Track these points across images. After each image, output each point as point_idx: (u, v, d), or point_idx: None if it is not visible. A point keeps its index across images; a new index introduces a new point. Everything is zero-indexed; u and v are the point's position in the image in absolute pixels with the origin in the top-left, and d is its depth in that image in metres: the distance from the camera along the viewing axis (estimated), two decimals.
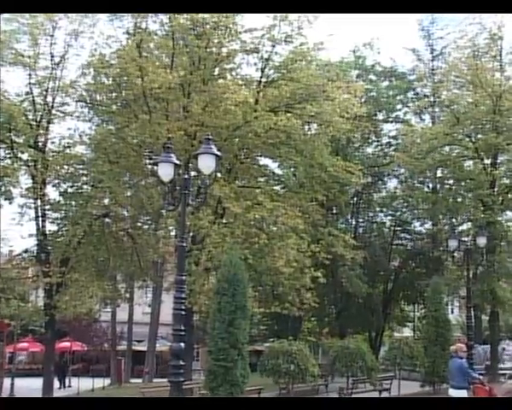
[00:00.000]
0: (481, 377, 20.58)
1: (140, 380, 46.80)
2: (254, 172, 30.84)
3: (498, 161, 36.02)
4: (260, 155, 31.27)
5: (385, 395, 28.21)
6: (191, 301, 24.50)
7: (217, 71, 27.84)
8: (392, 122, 44.93)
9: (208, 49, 26.15)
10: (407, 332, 54.59)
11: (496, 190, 34.84)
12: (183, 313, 16.36)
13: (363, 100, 32.93)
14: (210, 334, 19.85)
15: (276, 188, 33.22)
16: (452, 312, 62.08)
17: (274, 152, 29.76)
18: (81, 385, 38.90)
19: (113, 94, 28.36)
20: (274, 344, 22.95)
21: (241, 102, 25.47)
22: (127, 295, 37.23)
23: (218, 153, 16.82)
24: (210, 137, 17.00)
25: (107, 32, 27.62)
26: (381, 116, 44.06)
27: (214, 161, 16.49)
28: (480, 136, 35.27)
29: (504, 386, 18.24)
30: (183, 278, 16.33)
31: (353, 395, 26.45)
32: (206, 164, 16.44)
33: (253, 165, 30.71)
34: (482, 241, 30.18)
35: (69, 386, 45.46)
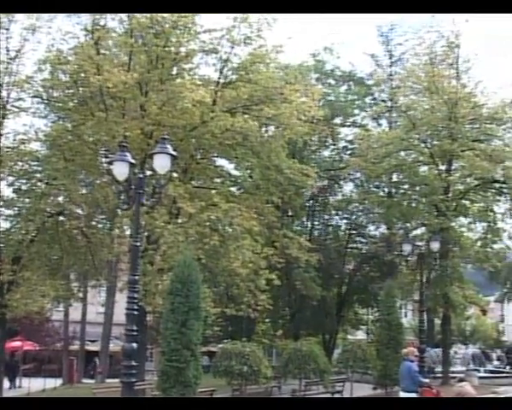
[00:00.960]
0: (428, 380, 20.84)
1: (93, 380, 46.45)
2: (210, 172, 30.77)
3: (453, 168, 36.45)
4: (217, 156, 31.25)
5: (337, 397, 28.43)
6: (146, 302, 24.42)
7: (175, 70, 27.75)
8: (349, 126, 45.23)
9: (167, 49, 26.04)
10: (361, 335, 55.00)
11: (450, 195, 35.22)
12: (136, 313, 16.33)
13: (321, 104, 33.03)
14: (163, 334, 19.77)
15: (231, 189, 33.21)
16: (406, 315, 62.82)
17: (230, 153, 29.78)
18: (32, 386, 38.43)
19: (70, 91, 27.97)
20: (227, 345, 22.94)
21: (199, 102, 25.41)
22: (80, 295, 36.88)
23: (174, 153, 16.80)
24: (166, 136, 16.99)
25: (65, 27, 27.31)
26: (338, 120, 44.32)
27: (169, 161, 16.49)
28: (435, 142, 35.66)
29: (454, 389, 18.36)
30: (137, 277, 16.29)
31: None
32: (162, 164, 16.43)
33: (209, 165, 30.65)
34: (435, 246, 30.61)
35: (19, 386, 44.91)
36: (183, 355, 18.96)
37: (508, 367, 54.71)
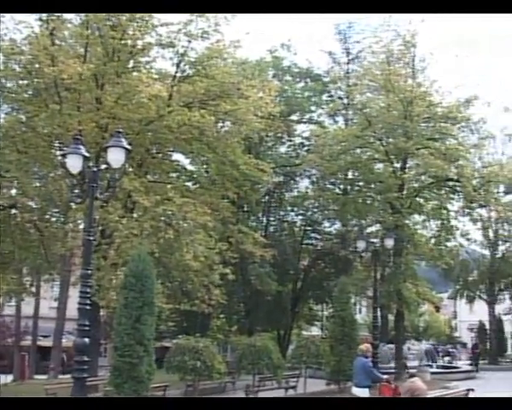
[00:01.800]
0: (386, 376, 20.97)
1: (45, 376, 45.87)
2: (166, 167, 30.62)
3: (408, 166, 36.77)
4: (172, 151, 31.09)
5: (291, 392, 28.50)
6: (99, 296, 24.20)
7: (131, 63, 27.47)
8: (305, 123, 45.41)
9: (123, 41, 25.71)
10: (315, 331, 55.30)
11: (404, 193, 35.55)
12: (89, 307, 16.19)
13: (277, 100, 33.06)
14: (116, 330, 19.57)
15: (187, 184, 33.09)
16: (360, 312, 63.39)
17: (186, 148, 29.63)
18: None
19: (24, 82, 27.52)
20: (180, 341, 22.83)
21: (155, 96, 25.26)
22: (33, 289, 36.43)
23: (128, 146, 16.69)
24: (120, 130, 16.87)
25: (19, 16, 26.84)
26: (295, 117, 44.43)
27: (124, 155, 16.37)
28: (390, 140, 35.90)
29: (405, 384, 18.59)
30: (89, 272, 16.14)
31: (259, 393, 26.61)
32: (116, 157, 16.30)
33: (164, 160, 30.51)
34: (390, 243, 30.88)
35: None
36: (136, 351, 18.80)
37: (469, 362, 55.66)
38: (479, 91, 65.90)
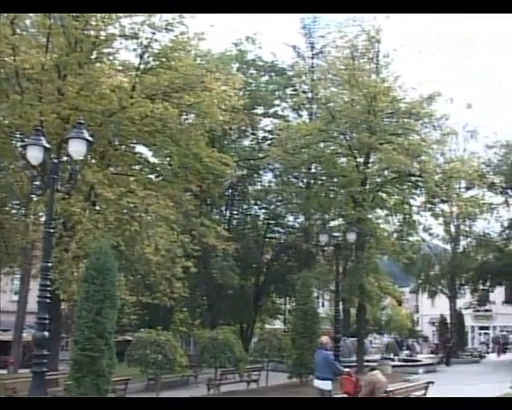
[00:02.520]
0: (347, 369, 21.10)
1: (5, 371, 45.33)
2: (129, 159, 30.32)
3: (371, 160, 37.00)
4: (135, 143, 30.79)
5: (253, 386, 28.55)
6: (61, 290, 23.97)
7: (94, 54, 27.13)
8: (269, 117, 45.39)
9: (86, 32, 25.43)
10: (278, 325, 55.43)
11: (367, 187, 35.78)
12: (49, 301, 16.03)
13: (241, 93, 32.95)
14: (76, 323, 19.39)
15: (150, 176, 32.85)
16: (323, 305, 63.73)
17: (149, 140, 29.34)
18: None
19: None
20: (142, 334, 22.71)
21: (118, 87, 24.98)
22: None
23: (90, 138, 16.52)
24: (82, 121, 16.69)
25: None
26: (259, 110, 44.41)
27: (85, 147, 16.23)
28: (354, 134, 36.09)
29: (366, 377, 18.77)
30: (49, 265, 16.00)
31: (222, 386, 26.62)
32: (77, 149, 16.16)
33: (127, 152, 30.22)
34: (352, 237, 31.03)
35: None
36: (96, 344, 18.63)
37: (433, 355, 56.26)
38: (442, 88, 66.79)
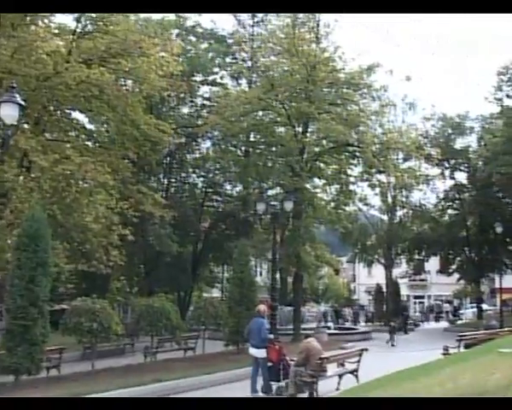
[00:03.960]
0: (272, 336, 21.26)
1: None
2: (64, 125, 29.82)
3: (309, 130, 37.13)
4: (71, 109, 30.25)
5: (190, 353, 28.56)
6: None
7: (28, 17, 26.50)
8: (208, 84, 45.06)
9: None
10: (216, 293, 55.52)
11: (305, 157, 35.93)
12: None
13: (180, 59, 32.60)
14: (9, 291, 19.04)
15: (86, 143, 32.33)
16: (261, 274, 63.97)
17: (86, 106, 28.88)
18: None
19: None
20: (76, 302, 22.35)
21: (53, 51, 24.46)
22: None
23: (22, 102, 16.12)
24: (14, 85, 16.28)
25: None
26: (198, 78, 44.03)
27: (17, 111, 15.84)
28: (293, 103, 36.13)
29: (301, 345, 18.94)
30: None
31: (158, 354, 26.54)
32: (9, 113, 15.77)
33: (63, 118, 29.70)
34: (289, 205, 31.09)
35: None
36: (29, 313, 18.37)
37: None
38: (381, 59, 67.25)
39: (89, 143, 32.79)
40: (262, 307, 20.58)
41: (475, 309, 59.06)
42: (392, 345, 37.19)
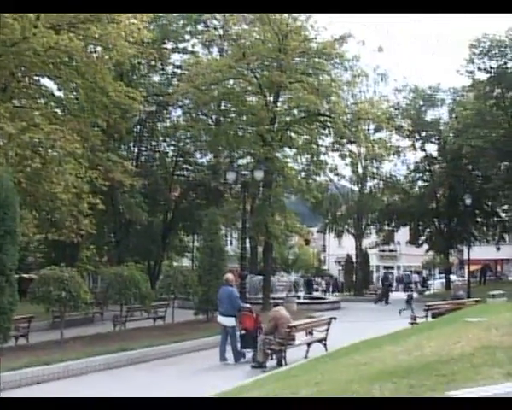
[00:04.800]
0: (249, 305, 21.34)
1: None
2: (32, 92, 29.38)
3: (280, 99, 37.03)
4: (40, 75, 29.79)
5: (159, 322, 28.58)
6: None
7: None
8: (179, 52, 44.71)
9: None
10: (186, 262, 55.57)
11: (276, 126, 35.85)
12: None
13: (151, 27, 32.25)
14: None
15: (55, 110, 31.93)
16: (231, 243, 64.07)
17: (54, 73, 28.41)
18: None
19: None
20: (45, 271, 22.17)
21: (21, 16, 23.99)
22: None
23: None
24: None
25: None
26: (169, 45, 43.64)
27: None
28: (264, 72, 35.98)
29: (270, 313, 19.07)
30: None
31: (128, 323, 26.51)
32: None
33: (31, 84, 29.25)
34: (259, 175, 31.13)
35: None
36: None
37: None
38: (354, 30, 67.10)
39: (58, 111, 32.36)
40: (230, 276, 20.69)
41: (444, 280, 59.75)
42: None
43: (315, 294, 56.64)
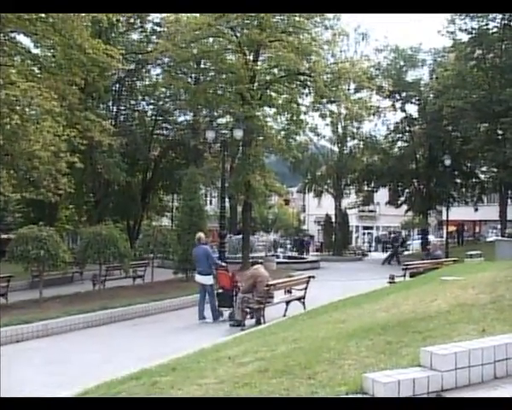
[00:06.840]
0: (225, 264, 21.45)
1: None
2: (8, 49, 28.87)
3: (260, 58, 36.80)
4: (15, 31, 29.30)
5: (138, 281, 28.61)
6: None
7: None
8: None
9: None
10: (166, 222, 55.48)
11: (255, 85, 35.68)
12: None
13: None
14: None
15: (32, 68, 31.48)
16: (211, 203, 64.09)
17: (30, 29, 27.97)
18: None
19: None
20: (23, 230, 22.02)
21: None
22: None
23: None
24: None
25: None
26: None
27: None
28: (244, 31, 35.63)
29: (248, 272, 19.14)
30: None
31: (107, 282, 26.50)
32: None
33: (6, 41, 28.74)
34: (239, 134, 30.99)
35: None
36: None
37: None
38: None
39: (34, 69, 31.93)
40: (202, 235, 20.78)
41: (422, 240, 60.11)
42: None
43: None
